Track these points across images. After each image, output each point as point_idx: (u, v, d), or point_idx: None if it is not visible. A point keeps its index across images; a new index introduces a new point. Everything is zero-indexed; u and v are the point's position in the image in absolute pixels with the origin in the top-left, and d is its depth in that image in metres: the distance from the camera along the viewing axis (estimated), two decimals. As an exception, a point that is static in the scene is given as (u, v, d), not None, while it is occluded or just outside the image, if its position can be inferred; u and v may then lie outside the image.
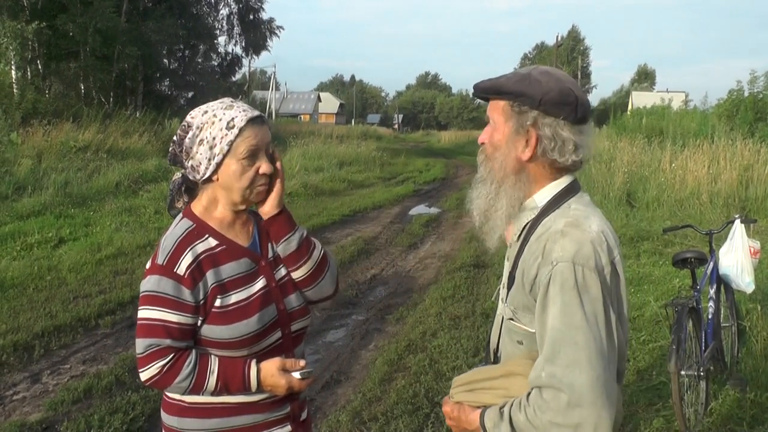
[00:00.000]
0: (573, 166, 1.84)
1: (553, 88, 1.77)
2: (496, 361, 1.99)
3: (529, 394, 1.68)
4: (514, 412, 1.69)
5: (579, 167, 1.87)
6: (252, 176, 2.08)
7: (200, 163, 2.07)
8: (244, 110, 2.07)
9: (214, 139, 2.04)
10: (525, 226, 1.86)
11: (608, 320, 1.67)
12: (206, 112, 2.09)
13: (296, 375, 2.13)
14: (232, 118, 2.04)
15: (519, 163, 1.83)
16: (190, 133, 2.09)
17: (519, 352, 1.86)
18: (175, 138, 2.14)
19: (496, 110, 1.86)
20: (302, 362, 2.17)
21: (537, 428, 1.64)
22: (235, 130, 2.03)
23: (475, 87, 1.93)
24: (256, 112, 2.10)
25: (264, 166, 2.10)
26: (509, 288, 1.88)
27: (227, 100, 2.12)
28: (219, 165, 2.06)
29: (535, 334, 1.77)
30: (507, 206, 1.85)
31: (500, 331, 1.97)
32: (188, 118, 2.12)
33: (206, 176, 2.08)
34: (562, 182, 1.86)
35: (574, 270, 1.66)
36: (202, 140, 2.06)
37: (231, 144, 2.04)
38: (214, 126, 2.05)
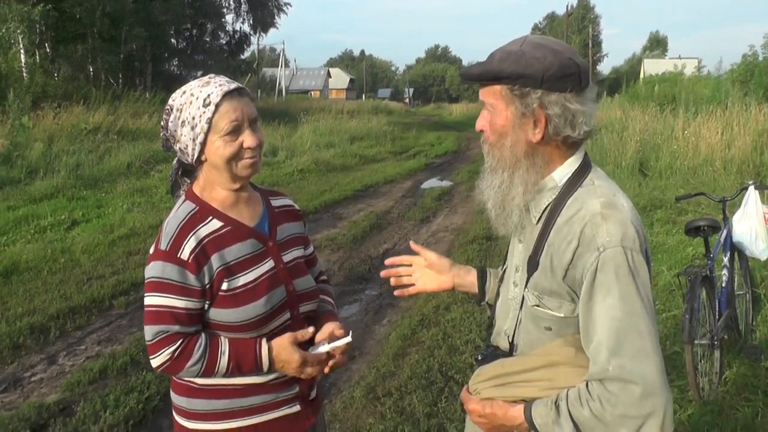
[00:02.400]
0: (585, 137, 1.77)
1: (553, 63, 1.67)
2: (512, 348, 1.89)
3: (587, 386, 1.62)
4: (574, 407, 1.61)
5: (590, 137, 1.80)
6: (235, 151, 2.03)
7: (186, 145, 2.05)
8: (220, 85, 2.02)
9: (194, 118, 2.00)
10: (546, 207, 1.78)
11: (654, 300, 1.64)
12: (185, 92, 2.05)
13: (323, 348, 2.13)
14: (208, 95, 2.00)
15: (530, 147, 1.74)
16: (172, 116, 2.06)
17: (546, 338, 1.77)
18: (162, 123, 2.12)
19: (493, 95, 1.76)
20: (311, 329, 2.15)
21: (605, 422, 1.58)
22: (212, 107, 1.99)
23: (465, 74, 1.82)
24: (233, 85, 2.04)
25: (248, 140, 2.04)
26: (529, 273, 1.79)
27: (206, 77, 2.08)
28: (203, 144, 2.03)
29: (566, 319, 1.73)
30: (523, 192, 1.76)
31: (518, 318, 1.88)
32: (170, 100, 2.08)
33: (195, 157, 2.05)
34: (578, 157, 1.79)
35: (625, 255, 1.60)
36: (183, 121, 2.03)
37: (210, 121, 1.99)
38: (192, 105, 2.01)
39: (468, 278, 2.20)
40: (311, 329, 2.15)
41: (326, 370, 2.19)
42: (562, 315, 1.73)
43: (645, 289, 1.61)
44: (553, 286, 1.72)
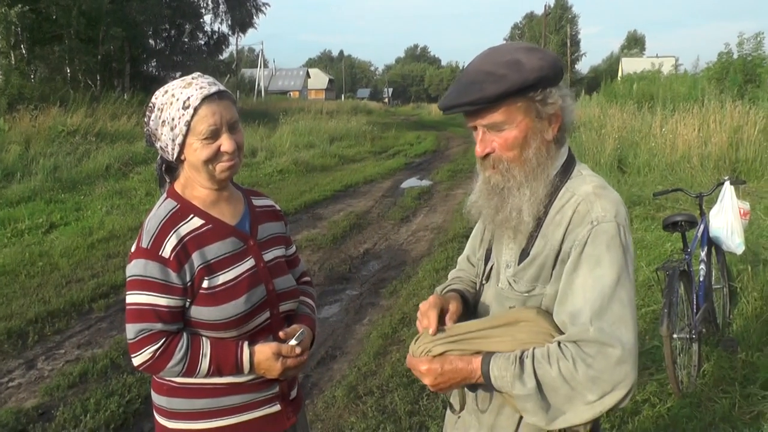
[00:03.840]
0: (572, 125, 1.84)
1: (554, 60, 1.74)
2: None
3: (559, 346, 1.62)
4: (540, 365, 1.62)
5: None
6: (212, 154, 2.03)
7: (166, 145, 2.05)
8: (200, 87, 2.02)
9: (173, 120, 2.00)
10: None
11: (634, 279, 1.70)
12: (166, 92, 2.05)
13: (292, 342, 2.13)
14: (188, 98, 1.99)
15: (547, 146, 1.77)
16: (153, 115, 2.06)
17: None
18: (145, 119, 2.12)
19: (504, 113, 1.71)
20: (298, 350, 2.15)
21: (573, 383, 1.59)
22: (191, 110, 1.98)
23: (476, 100, 1.69)
24: (214, 89, 2.03)
25: (226, 144, 2.04)
26: (519, 264, 1.80)
27: (188, 77, 2.07)
28: (182, 146, 2.03)
29: (531, 297, 1.77)
30: (543, 191, 1.76)
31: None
32: (153, 98, 2.08)
33: (174, 157, 2.06)
34: (565, 150, 1.83)
35: (618, 229, 1.66)
36: (164, 121, 2.03)
37: (188, 124, 1.99)
38: (172, 107, 2.01)
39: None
40: (298, 350, 2.15)
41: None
42: (527, 295, 1.78)
43: (631, 265, 1.68)
44: (535, 272, 1.77)
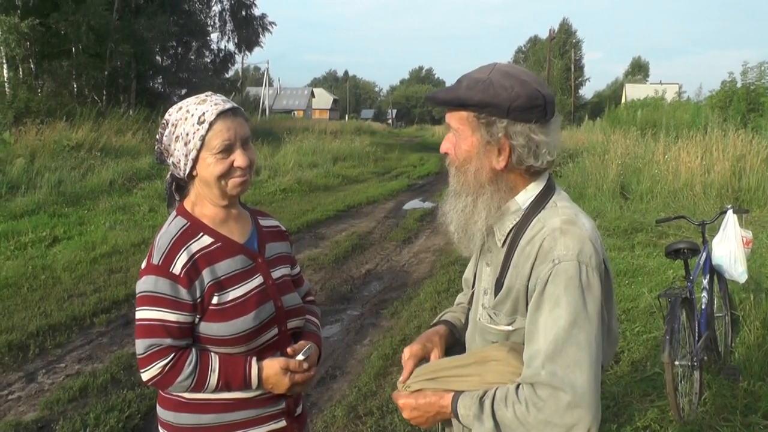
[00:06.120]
0: (548, 167, 1.80)
1: (520, 94, 1.69)
2: None
3: (517, 388, 1.64)
4: (499, 407, 1.64)
5: (552, 166, 1.84)
6: (225, 169, 2.07)
7: (179, 160, 2.08)
8: (215, 104, 2.06)
9: (187, 135, 2.04)
10: (510, 230, 1.80)
11: (602, 320, 1.66)
12: (181, 108, 2.09)
13: (300, 357, 2.17)
14: (203, 113, 2.03)
15: (494, 173, 1.77)
16: (167, 131, 2.09)
17: None
18: (157, 136, 2.15)
19: (459, 120, 1.78)
20: (305, 365, 2.19)
21: (526, 426, 1.60)
22: (206, 125, 2.02)
23: (432, 98, 1.83)
24: (228, 105, 2.08)
25: (239, 159, 2.08)
26: (496, 294, 1.82)
27: (203, 95, 2.12)
28: (195, 161, 2.06)
29: (512, 332, 1.77)
30: (486, 217, 1.78)
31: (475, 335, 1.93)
32: (166, 115, 2.12)
33: (187, 172, 2.09)
34: (542, 181, 1.81)
35: (579, 269, 1.63)
36: (177, 137, 2.06)
37: (203, 139, 2.03)
38: (186, 122, 2.04)
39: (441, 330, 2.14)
40: (305, 365, 2.18)
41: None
42: (511, 328, 1.78)
43: (594, 305, 1.64)
44: (510, 306, 1.77)
